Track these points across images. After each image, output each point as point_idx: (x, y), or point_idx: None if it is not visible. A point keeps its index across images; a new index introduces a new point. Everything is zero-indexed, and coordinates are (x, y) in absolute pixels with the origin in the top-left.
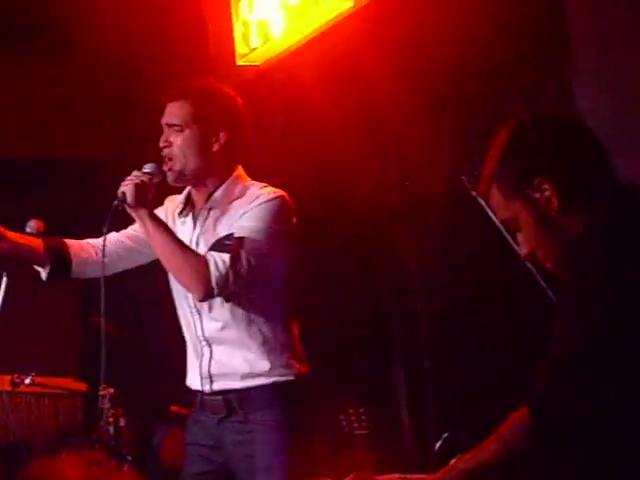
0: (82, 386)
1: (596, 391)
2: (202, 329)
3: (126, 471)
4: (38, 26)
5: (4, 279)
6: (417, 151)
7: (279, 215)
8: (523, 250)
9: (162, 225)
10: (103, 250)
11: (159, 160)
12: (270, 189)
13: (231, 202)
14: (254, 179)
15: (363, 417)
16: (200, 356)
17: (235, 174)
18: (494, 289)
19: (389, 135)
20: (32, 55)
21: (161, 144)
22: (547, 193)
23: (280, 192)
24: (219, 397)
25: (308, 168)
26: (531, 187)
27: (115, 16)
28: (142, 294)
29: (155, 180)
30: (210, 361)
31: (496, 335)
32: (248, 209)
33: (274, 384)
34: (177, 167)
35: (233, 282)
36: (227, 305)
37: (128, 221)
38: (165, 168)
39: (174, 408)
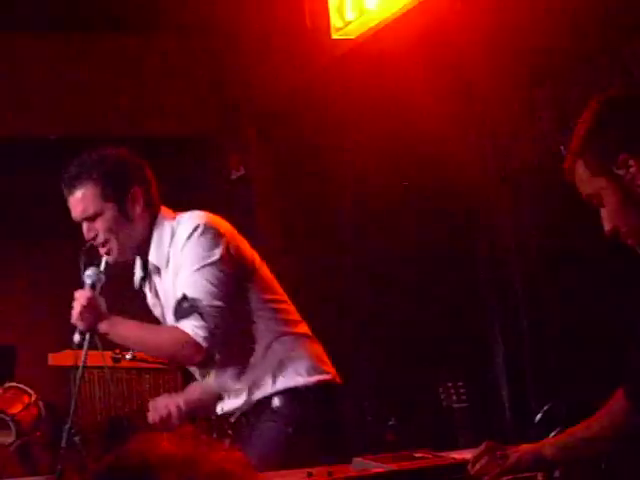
0: None
1: None
2: None
3: (226, 446)
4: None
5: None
6: (513, 124)
7: (207, 248)
8: (606, 226)
9: (126, 326)
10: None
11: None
12: (187, 222)
13: (167, 254)
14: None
15: (462, 390)
16: None
17: (159, 221)
18: (592, 260)
19: (484, 108)
20: (123, 31)
21: (87, 237)
22: (632, 169)
23: (196, 219)
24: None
25: (403, 142)
26: (616, 163)
27: None
28: None
29: (101, 282)
30: None
31: (596, 307)
32: (181, 258)
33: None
34: (114, 248)
35: (219, 334)
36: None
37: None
38: (103, 254)
39: None
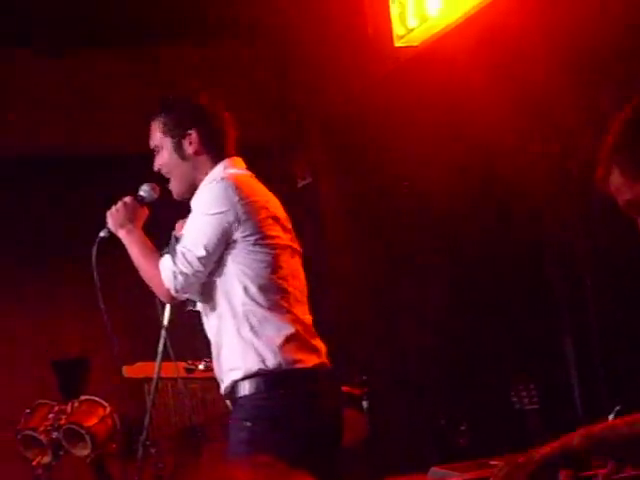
0: None
1: None
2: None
3: (298, 472)
4: (197, 13)
5: None
6: (578, 123)
7: (214, 200)
8: None
9: (135, 241)
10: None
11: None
12: (216, 177)
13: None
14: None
15: (533, 393)
16: None
17: (216, 168)
18: None
19: (547, 112)
20: (190, 41)
21: (154, 169)
22: None
23: (224, 177)
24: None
25: (466, 147)
26: None
27: None
28: None
29: (146, 200)
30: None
31: None
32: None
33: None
34: (173, 184)
35: (182, 280)
36: (202, 305)
37: None
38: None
39: (345, 388)
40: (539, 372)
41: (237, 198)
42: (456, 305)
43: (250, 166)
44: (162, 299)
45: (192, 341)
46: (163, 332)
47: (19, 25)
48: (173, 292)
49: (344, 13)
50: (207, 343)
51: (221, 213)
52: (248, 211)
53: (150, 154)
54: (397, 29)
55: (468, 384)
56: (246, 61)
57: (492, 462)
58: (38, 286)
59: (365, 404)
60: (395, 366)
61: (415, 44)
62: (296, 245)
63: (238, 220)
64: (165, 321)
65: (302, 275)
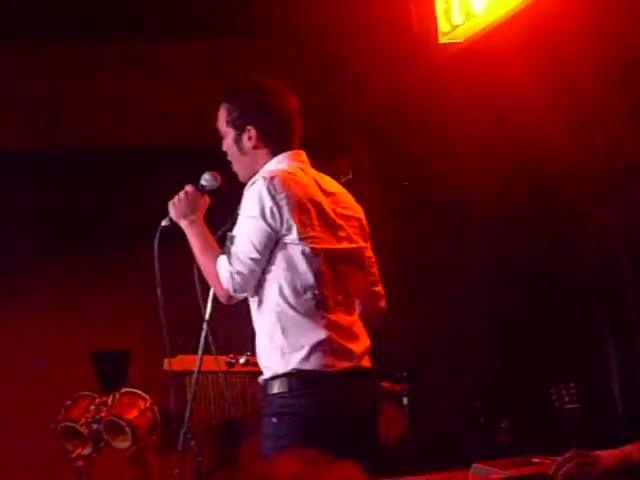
0: None
1: None
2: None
3: (345, 464)
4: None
5: None
6: (621, 121)
7: (254, 202)
8: None
9: (196, 234)
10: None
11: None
12: (259, 176)
13: None
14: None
15: (573, 391)
16: None
17: (270, 162)
18: None
19: (591, 109)
20: (233, 37)
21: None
22: None
23: (265, 176)
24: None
25: (513, 145)
26: None
27: None
28: None
29: (208, 189)
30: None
31: None
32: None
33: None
34: (236, 169)
35: (240, 280)
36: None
37: None
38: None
39: (385, 384)
40: (579, 371)
41: (271, 197)
42: (499, 304)
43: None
44: (221, 299)
45: (234, 335)
46: (205, 325)
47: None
48: (232, 292)
49: (389, 10)
50: (248, 337)
51: (260, 213)
52: (283, 210)
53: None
54: (442, 26)
55: (508, 381)
56: (290, 59)
57: (533, 459)
58: (80, 276)
59: (405, 400)
60: (436, 362)
61: (460, 41)
62: (352, 245)
63: (274, 219)
64: (207, 315)
65: (352, 276)
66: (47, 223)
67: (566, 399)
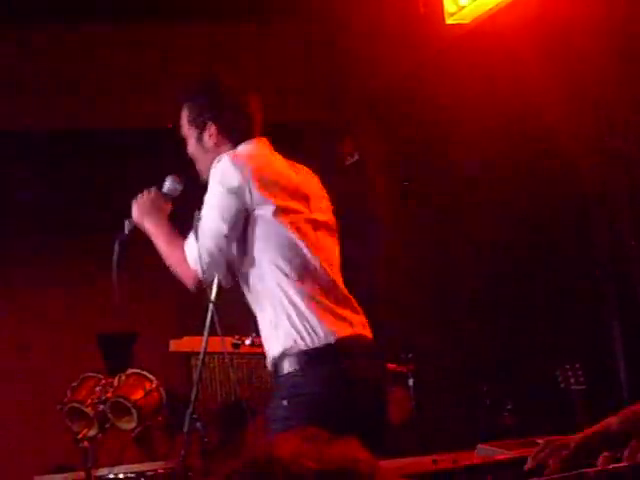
0: None
1: None
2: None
3: (346, 440)
4: None
5: None
6: (629, 106)
7: (220, 178)
8: None
9: (161, 230)
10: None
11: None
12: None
13: None
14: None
15: (579, 372)
16: None
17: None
18: None
19: (598, 94)
20: (240, 19)
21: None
22: None
23: (230, 153)
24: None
25: (517, 127)
26: None
27: None
28: None
29: (174, 193)
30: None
31: None
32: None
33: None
34: (200, 169)
35: (208, 259)
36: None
37: None
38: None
39: (391, 366)
40: (586, 353)
41: (237, 171)
42: (505, 285)
43: (298, 144)
44: (189, 285)
45: (240, 316)
46: (211, 306)
47: None
48: (200, 274)
49: None
50: (254, 318)
51: (227, 189)
52: (252, 184)
53: None
54: (448, 6)
55: (515, 363)
56: (296, 41)
57: (538, 440)
58: (84, 258)
59: (411, 382)
60: (442, 344)
61: (466, 22)
62: (325, 218)
63: (243, 193)
64: (212, 296)
65: (330, 247)
66: (55, 204)
67: (572, 380)
